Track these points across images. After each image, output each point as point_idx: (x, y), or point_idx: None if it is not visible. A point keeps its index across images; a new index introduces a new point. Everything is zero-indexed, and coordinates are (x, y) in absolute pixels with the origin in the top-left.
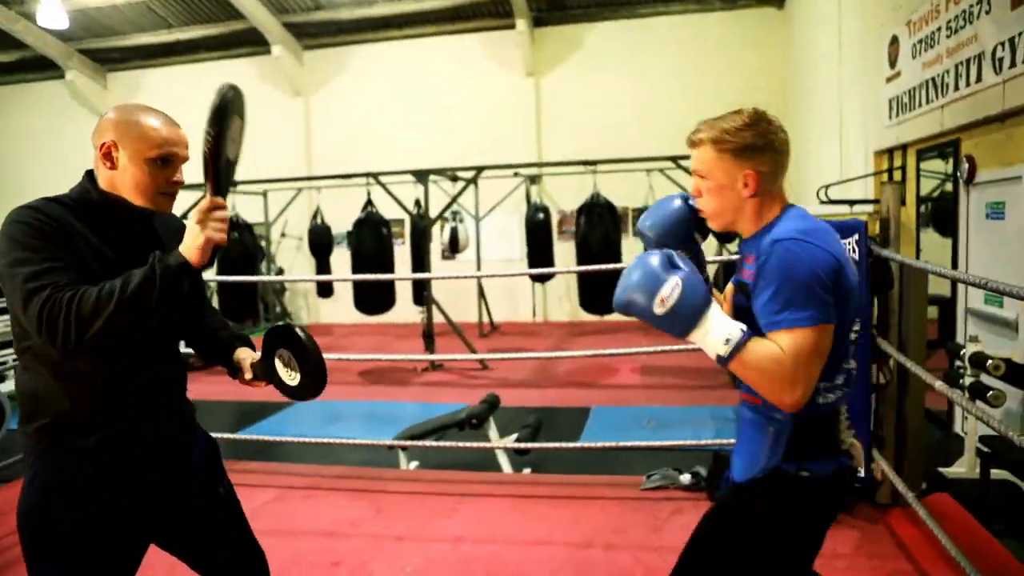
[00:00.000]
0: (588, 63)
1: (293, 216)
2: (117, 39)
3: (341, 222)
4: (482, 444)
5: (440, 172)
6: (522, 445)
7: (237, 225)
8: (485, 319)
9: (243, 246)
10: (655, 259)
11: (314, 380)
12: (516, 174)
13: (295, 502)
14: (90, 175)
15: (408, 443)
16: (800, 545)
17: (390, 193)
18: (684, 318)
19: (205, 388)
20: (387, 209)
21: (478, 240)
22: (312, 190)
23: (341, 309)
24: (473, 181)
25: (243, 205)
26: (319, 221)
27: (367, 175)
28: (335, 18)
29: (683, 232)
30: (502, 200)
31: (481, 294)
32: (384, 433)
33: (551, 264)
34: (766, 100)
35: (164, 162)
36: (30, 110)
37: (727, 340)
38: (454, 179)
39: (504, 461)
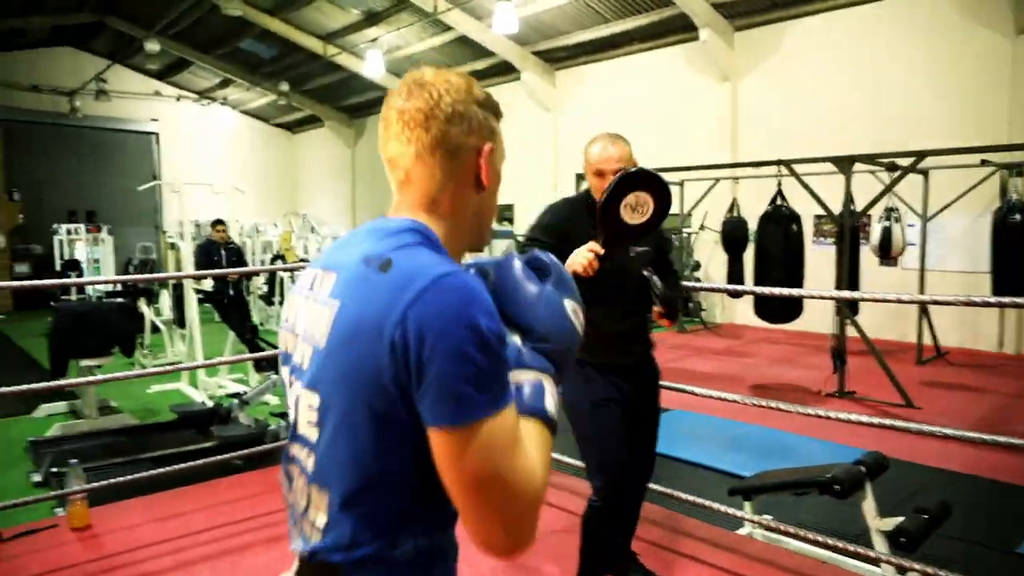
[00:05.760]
0: None
1: (713, 208)
2: (563, 38)
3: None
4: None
5: (867, 159)
6: (880, 556)
7: None
8: (928, 341)
9: None
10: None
11: (660, 198)
12: (984, 162)
13: (573, 537)
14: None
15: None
16: None
17: (803, 184)
18: None
19: None
20: (805, 204)
21: (923, 245)
22: (731, 180)
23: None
24: (912, 169)
25: None
26: (735, 214)
27: (778, 163)
28: None
29: None
30: (962, 195)
31: (924, 310)
32: (750, 468)
33: None
34: None
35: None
36: None
37: None
38: (891, 168)
39: (881, 546)
